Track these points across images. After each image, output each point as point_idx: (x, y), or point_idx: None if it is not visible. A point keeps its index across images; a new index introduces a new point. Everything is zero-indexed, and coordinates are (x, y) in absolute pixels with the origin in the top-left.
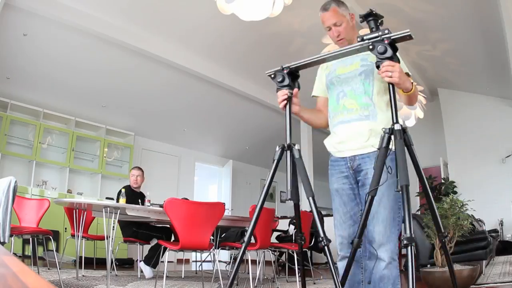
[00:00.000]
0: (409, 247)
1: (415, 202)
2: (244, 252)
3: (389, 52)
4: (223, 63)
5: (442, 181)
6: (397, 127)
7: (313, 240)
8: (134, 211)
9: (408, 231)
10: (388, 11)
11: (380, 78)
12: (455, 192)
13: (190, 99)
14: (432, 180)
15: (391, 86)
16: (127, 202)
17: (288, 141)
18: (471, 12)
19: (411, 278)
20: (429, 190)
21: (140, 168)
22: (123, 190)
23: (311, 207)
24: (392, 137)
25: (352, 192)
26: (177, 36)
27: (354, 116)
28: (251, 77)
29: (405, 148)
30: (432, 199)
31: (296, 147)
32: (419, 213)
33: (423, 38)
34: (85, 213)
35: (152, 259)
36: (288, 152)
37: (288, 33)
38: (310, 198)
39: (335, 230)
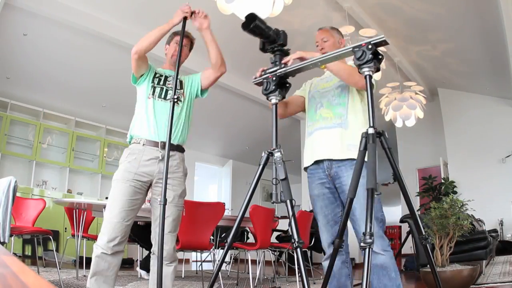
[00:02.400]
0: (366, 249)
1: (415, 202)
2: (226, 253)
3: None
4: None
5: (442, 181)
6: (370, 131)
7: (313, 240)
8: None
9: (368, 232)
10: (388, 11)
11: (355, 91)
12: (455, 192)
13: None
14: (432, 180)
15: (368, 90)
16: None
17: (273, 147)
18: (472, 12)
19: (366, 277)
20: (408, 191)
21: None
22: None
23: (287, 209)
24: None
25: (332, 195)
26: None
27: (328, 124)
28: (251, 77)
29: (386, 151)
30: (411, 200)
31: (278, 153)
32: (419, 213)
33: (423, 38)
34: (85, 213)
35: (148, 265)
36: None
37: (288, 33)
38: (288, 201)
39: (320, 233)
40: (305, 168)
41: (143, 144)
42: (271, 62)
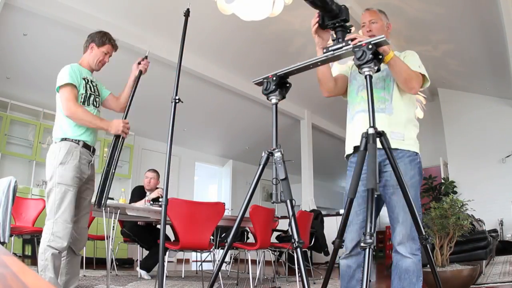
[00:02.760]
0: (366, 249)
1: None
2: (226, 253)
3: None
4: (223, 63)
5: (442, 181)
6: (370, 131)
7: (313, 240)
8: (134, 211)
9: (368, 234)
10: (388, 11)
11: None
12: (455, 192)
13: (190, 99)
14: (432, 180)
15: (369, 90)
16: (137, 201)
17: (273, 147)
18: (472, 12)
19: (365, 277)
20: (408, 191)
21: (155, 171)
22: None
23: (287, 209)
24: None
25: (366, 194)
26: (177, 36)
27: None
28: (251, 77)
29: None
30: (411, 200)
31: (278, 153)
32: None
33: (424, 39)
34: None
35: (148, 265)
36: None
37: (288, 33)
38: (288, 201)
39: (346, 230)
40: (346, 157)
41: (82, 146)
42: (333, 39)
